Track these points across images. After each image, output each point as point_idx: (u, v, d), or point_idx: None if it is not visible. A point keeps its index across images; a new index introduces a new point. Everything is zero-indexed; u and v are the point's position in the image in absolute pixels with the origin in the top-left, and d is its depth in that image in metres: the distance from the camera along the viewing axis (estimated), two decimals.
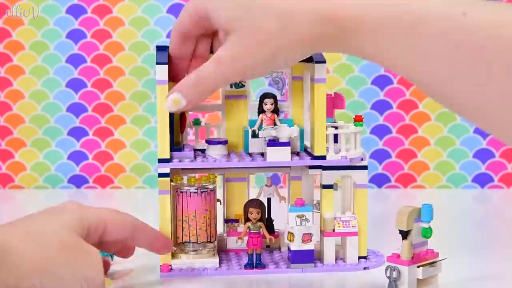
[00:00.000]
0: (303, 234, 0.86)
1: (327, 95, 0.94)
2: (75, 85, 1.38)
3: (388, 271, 0.78)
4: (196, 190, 0.87)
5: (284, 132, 0.87)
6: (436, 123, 1.38)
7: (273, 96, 0.90)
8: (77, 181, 1.40)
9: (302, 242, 0.86)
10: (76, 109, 1.39)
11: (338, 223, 0.88)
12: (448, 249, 0.96)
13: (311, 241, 0.86)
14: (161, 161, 0.85)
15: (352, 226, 0.88)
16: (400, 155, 1.39)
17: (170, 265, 0.86)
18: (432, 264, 0.80)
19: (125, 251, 0.85)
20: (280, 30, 0.72)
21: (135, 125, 1.39)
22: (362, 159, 0.90)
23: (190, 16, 0.79)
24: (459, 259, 0.90)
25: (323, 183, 0.89)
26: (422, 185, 1.39)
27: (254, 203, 0.88)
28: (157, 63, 0.84)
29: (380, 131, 1.39)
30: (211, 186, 0.88)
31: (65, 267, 0.68)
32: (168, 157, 0.85)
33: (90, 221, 0.74)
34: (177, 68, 0.85)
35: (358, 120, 0.91)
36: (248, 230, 0.87)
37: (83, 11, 1.37)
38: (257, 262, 0.87)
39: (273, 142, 0.87)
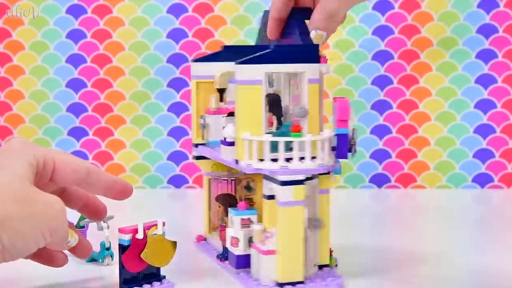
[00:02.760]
0: (248, 238, 0.80)
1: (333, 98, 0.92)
2: (75, 85, 1.38)
3: None
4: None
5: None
6: (436, 123, 1.38)
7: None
8: None
9: (249, 247, 0.80)
10: (76, 109, 1.39)
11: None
12: (448, 249, 0.96)
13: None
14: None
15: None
16: (400, 155, 1.39)
17: (205, 238, 0.91)
18: None
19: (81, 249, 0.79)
20: None
21: (135, 125, 1.39)
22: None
23: None
24: (459, 259, 0.90)
25: (264, 193, 0.79)
26: (422, 185, 1.39)
27: (220, 198, 0.88)
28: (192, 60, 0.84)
29: (380, 131, 1.39)
30: None
31: (24, 221, 0.65)
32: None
33: (38, 159, 0.71)
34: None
35: (295, 130, 0.78)
36: (220, 223, 0.87)
37: (83, 11, 1.37)
38: (227, 254, 0.84)
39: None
